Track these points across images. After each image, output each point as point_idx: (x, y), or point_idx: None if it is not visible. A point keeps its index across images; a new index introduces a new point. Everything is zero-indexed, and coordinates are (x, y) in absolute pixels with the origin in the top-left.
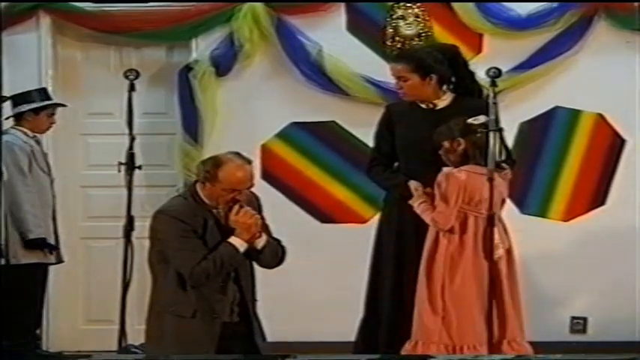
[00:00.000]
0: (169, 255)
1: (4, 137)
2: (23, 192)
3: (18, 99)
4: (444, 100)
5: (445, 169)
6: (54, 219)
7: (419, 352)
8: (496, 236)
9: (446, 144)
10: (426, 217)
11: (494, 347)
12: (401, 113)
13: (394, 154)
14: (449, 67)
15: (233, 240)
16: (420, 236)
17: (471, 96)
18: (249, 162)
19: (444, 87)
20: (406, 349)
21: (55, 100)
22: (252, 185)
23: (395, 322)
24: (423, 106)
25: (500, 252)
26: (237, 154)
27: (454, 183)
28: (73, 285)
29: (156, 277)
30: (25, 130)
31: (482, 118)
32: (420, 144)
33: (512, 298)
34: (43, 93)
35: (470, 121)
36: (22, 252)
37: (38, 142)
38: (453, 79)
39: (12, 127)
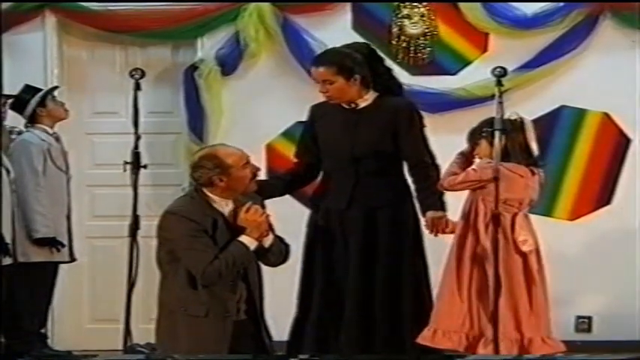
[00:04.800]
0: (180, 255)
1: (23, 137)
2: (33, 191)
3: (19, 103)
4: (366, 100)
5: (480, 162)
6: (68, 217)
7: (438, 340)
8: (524, 230)
9: (483, 142)
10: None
11: (527, 344)
12: (323, 114)
13: (312, 156)
14: (367, 66)
15: (243, 238)
16: (346, 235)
17: (391, 93)
18: (223, 144)
19: (366, 86)
20: (424, 336)
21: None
22: (249, 156)
23: (325, 320)
24: (345, 106)
25: (530, 245)
26: (210, 145)
27: (476, 174)
28: (79, 284)
29: (165, 277)
30: (44, 127)
31: (515, 115)
32: (341, 144)
33: (544, 295)
34: (31, 88)
35: (508, 116)
36: (32, 250)
37: (58, 139)
38: (371, 78)
39: (30, 126)
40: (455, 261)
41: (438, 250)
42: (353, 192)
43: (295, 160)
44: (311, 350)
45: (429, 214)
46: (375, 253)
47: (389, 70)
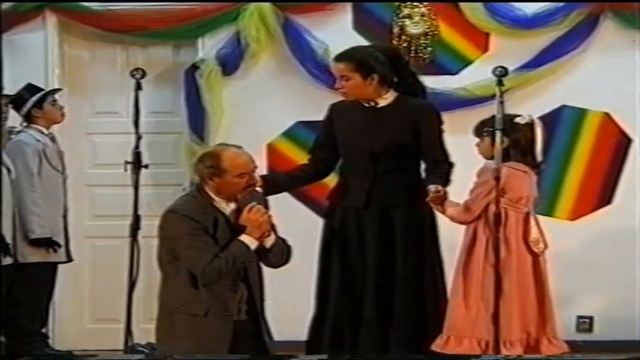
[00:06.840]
0: (180, 253)
1: (18, 137)
2: (28, 192)
3: (17, 101)
4: (386, 99)
5: (486, 163)
6: (65, 217)
7: (450, 348)
8: (535, 230)
9: (486, 139)
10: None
11: (532, 344)
12: (342, 111)
13: (326, 152)
14: (390, 68)
15: (244, 238)
16: (362, 234)
17: (415, 95)
18: (240, 147)
19: (386, 86)
20: (437, 344)
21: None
22: (256, 167)
23: (342, 319)
24: (365, 104)
25: (541, 246)
26: (224, 144)
27: (489, 179)
28: (79, 284)
29: (166, 277)
30: (40, 127)
31: (527, 118)
32: (360, 141)
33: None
34: (32, 87)
35: (517, 120)
36: (28, 250)
37: (53, 140)
38: (395, 80)
39: (26, 127)
40: (463, 266)
41: (448, 252)
42: (371, 190)
43: (308, 156)
44: (327, 349)
45: (430, 186)
46: (393, 252)
47: (414, 73)
